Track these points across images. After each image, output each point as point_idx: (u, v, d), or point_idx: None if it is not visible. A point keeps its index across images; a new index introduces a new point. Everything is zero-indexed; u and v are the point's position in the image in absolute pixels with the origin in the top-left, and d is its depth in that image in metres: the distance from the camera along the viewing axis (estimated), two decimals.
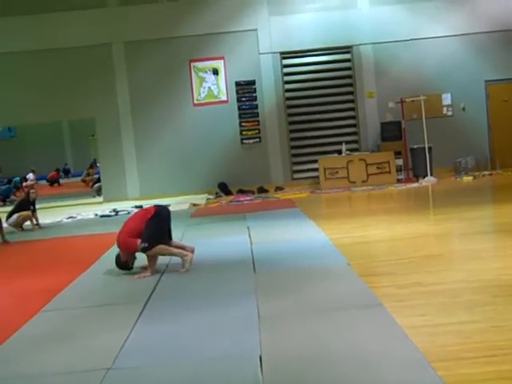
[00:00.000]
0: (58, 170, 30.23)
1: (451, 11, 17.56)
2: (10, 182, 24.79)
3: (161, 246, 7.58)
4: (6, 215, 13.12)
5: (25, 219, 13.16)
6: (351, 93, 18.05)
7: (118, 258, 7.74)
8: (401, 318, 5.00)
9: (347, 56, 17.97)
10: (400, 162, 16.58)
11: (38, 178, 26.32)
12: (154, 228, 7.65)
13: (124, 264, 7.70)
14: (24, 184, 24.41)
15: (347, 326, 4.99)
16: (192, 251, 7.88)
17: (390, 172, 16.22)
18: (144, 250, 7.52)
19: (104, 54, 17.60)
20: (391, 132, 17.15)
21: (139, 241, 7.48)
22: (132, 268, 7.72)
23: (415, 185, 15.45)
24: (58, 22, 17.37)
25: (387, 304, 5.40)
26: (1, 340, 5.36)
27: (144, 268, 7.72)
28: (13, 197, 20.49)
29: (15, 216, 13.11)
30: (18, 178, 24.89)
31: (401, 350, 4.41)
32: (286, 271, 7.09)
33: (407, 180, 16.25)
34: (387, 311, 5.21)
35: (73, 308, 6.40)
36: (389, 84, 17.50)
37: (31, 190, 13.69)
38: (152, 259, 7.63)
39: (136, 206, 15.26)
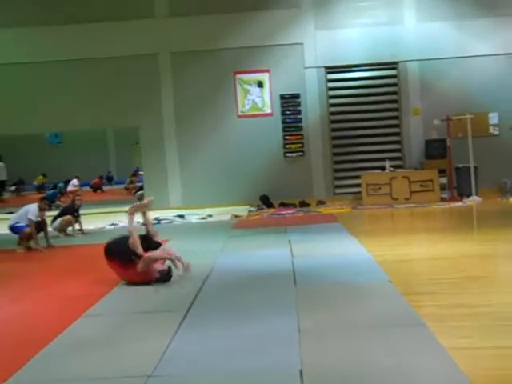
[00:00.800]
0: (101, 177, 30.60)
1: (499, 30, 17.36)
2: (55, 187, 25.19)
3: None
4: (51, 219, 13.31)
5: (67, 224, 13.34)
6: (396, 109, 17.94)
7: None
8: (444, 338, 4.92)
9: (393, 72, 17.87)
10: (444, 180, 16.38)
11: (81, 184, 26.66)
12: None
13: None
14: (68, 189, 24.76)
15: (389, 344, 4.94)
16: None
17: (433, 190, 16.04)
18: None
19: (151, 64, 17.80)
20: (436, 150, 16.97)
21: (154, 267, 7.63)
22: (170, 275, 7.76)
23: (459, 204, 15.24)
24: (106, 31, 17.63)
25: (430, 324, 5.32)
26: (44, 343, 5.42)
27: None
28: (58, 202, 20.81)
29: (58, 220, 13.32)
30: (62, 184, 25.27)
31: (443, 371, 4.34)
32: (328, 286, 7.05)
33: (451, 199, 16.04)
34: (430, 331, 5.13)
35: (114, 314, 6.46)
36: (434, 101, 17.33)
37: (77, 197, 13.88)
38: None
39: (178, 215, 15.36)
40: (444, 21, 17.43)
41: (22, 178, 30.29)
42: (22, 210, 11.98)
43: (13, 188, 29.71)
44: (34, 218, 11.49)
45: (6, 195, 28.71)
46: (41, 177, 29.55)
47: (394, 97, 17.93)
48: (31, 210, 11.67)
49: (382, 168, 16.80)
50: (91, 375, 4.65)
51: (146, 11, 17.76)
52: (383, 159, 17.09)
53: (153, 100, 17.82)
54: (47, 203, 12.20)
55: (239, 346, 5.14)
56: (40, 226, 11.80)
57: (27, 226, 11.55)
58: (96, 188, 29.35)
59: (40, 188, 28.39)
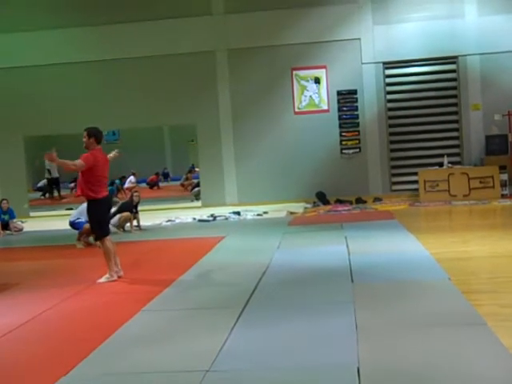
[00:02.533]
0: (157, 174, 30.88)
1: None
2: (112, 183, 25.55)
3: (107, 247, 8.35)
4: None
5: (126, 220, 13.51)
6: (455, 104, 17.63)
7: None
8: (505, 338, 4.81)
9: (452, 67, 17.57)
10: (505, 176, 16.00)
11: (138, 181, 27.00)
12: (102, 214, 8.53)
13: None
14: (125, 186, 25.09)
15: (449, 343, 4.85)
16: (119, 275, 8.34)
17: (493, 187, 15.71)
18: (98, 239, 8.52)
19: (208, 61, 17.91)
20: (496, 145, 16.63)
21: None
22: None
23: None
24: (163, 29, 17.82)
25: (491, 323, 5.21)
26: (104, 337, 5.52)
27: None
28: (115, 198, 21.11)
29: (117, 217, 13.48)
30: (118, 180, 25.62)
31: (505, 371, 4.25)
32: (385, 283, 6.98)
33: None
34: (491, 330, 5.03)
35: (172, 309, 6.52)
36: (495, 96, 16.96)
37: (135, 193, 14.03)
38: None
39: (234, 212, 15.42)
40: (506, 14, 17.03)
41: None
42: (82, 206, 12.18)
43: (72, 185, 30.26)
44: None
45: (65, 192, 29.28)
46: None
47: (453, 92, 17.62)
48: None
49: (440, 164, 16.53)
50: (150, 369, 4.70)
51: (202, 9, 17.87)
52: (441, 155, 16.83)
53: (210, 97, 17.93)
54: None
55: (296, 342, 5.12)
56: None
57: (87, 221, 11.74)
58: (153, 185, 29.65)
59: None
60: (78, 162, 8.08)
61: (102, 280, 8.14)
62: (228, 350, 4.98)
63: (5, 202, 14.57)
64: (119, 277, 8.28)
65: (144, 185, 29.37)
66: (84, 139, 8.28)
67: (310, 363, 4.61)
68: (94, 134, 8.29)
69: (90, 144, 8.24)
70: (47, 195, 27.28)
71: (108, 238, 8.37)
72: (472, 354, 4.58)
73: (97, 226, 8.34)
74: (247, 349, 5.02)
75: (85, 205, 12.16)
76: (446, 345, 4.81)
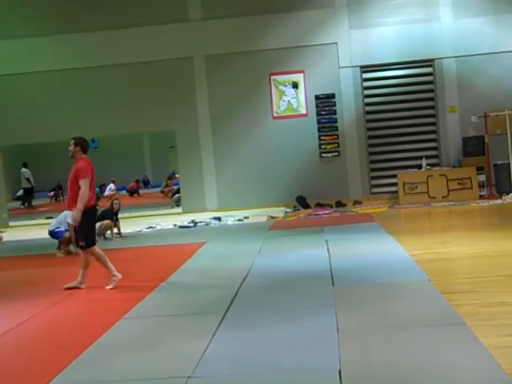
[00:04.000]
0: (137, 181, 30.81)
1: None
2: None
3: (98, 252, 8.30)
4: None
5: (106, 228, 13.46)
6: (432, 107, 17.77)
7: None
8: (485, 337, 4.86)
9: (429, 70, 17.71)
10: (482, 177, 16.17)
11: (118, 189, 26.91)
12: (92, 224, 8.50)
13: None
14: (105, 194, 24.99)
15: (429, 343, 4.89)
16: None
17: (471, 188, 15.85)
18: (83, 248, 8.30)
19: (185, 68, 17.90)
20: (474, 147, 16.77)
21: None
22: None
23: (498, 201, 15.04)
24: (140, 36, 17.79)
25: (470, 323, 5.26)
26: (85, 346, 5.49)
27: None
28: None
29: (97, 225, 13.40)
30: (97, 188, 25.50)
31: (486, 370, 4.29)
32: (366, 286, 7.02)
33: (490, 196, 15.83)
34: (470, 330, 5.07)
35: (153, 316, 6.52)
36: (472, 98, 17.12)
37: (115, 201, 13.98)
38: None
39: (215, 218, 15.43)
40: (481, 16, 17.21)
41: (59, 184, 30.65)
42: (62, 215, 12.14)
43: (51, 193, 30.09)
44: (73, 223, 11.61)
45: (45, 201, 29.13)
46: None
47: (430, 95, 17.77)
48: (70, 214, 11.79)
49: (419, 166, 16.66)
50: (132, 377, 4.69)
51: (180, 15, 17.87)
52: (420, 158, 16.95)
53: (188, 103, 17.93)
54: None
55: (278, 346, 5.14)
56: None
57: (66, 230, 11.70)
58: (133, 192, 29.58)
59: None
60: (82, 184, 8.03)
61: (110, 286, 8.08)
62: (210, 356, 4.98)
63: None
64: (80, 288, 8.29)
65: (124, 192, 29.30)
66: (70, 148, 8.25)
67: (292, 366, 4.63)
68: (81, 144, 8.26)
69: (76, 152, 8.22)
70: (23, 206, 27.12)
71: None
72: (452, 355, 4.61)
73: (87, 235, 8.25)
74: (229, 354, 5.03)
75: (63, 213, 12.15)
76: (426, 345, 4.85)
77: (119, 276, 8.17)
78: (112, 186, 25.83)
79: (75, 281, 8.31)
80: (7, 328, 6.39)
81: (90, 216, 8.23)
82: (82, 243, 8.24)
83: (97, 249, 8.27)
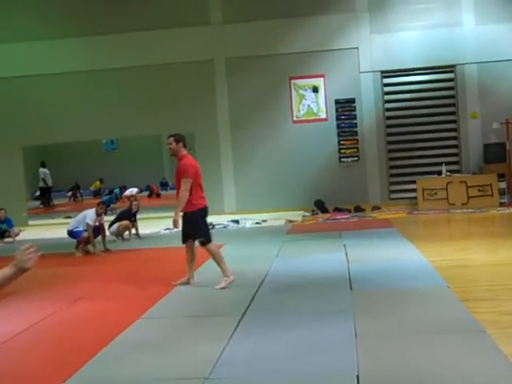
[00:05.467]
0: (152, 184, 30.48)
1: None
2: (111, 192, 25.55)
3: (215, 250, 8.02)
4: (108, 224, 13.50)
5: (124, 229, 13.51)
6: (453, 113, 17.65)
7: None
8: (505, 345, 4.81)
9: (450, 75, 17.60)
10: (503, 185, 16.00)
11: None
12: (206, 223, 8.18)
13: None
14: (124, 194, 25.07)
15: (449, 350, 4.85)
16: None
17: (492, 195, 15.71)
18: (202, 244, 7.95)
19: (206, 71, 17.93)
20: (495, 154, 16.63)
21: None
22: None
23: None
24: (162, 38, 17.84)
25: (490, 331, 5.21)
26: (103, 345, 5.51)
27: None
28: (112, 205, 21.09)
29: (116, 225, 13.49)
30: (118, 189, 25.63)
31: (506, 379, 4.24)
32: (384, 291, 6.98)
33: (511, 204, 15.67)
34: (490, 338, 5.02)
35: (170, 317, 6.52)
36: (493, 104, 16.98)
37: (134, 202, 14.02)
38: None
39: (232, 221, 15.41)
40: (503, 22, 17.06)
41: (77, 184, 30.82)
42: (80, 215, 12.20)
43: (69, 193, 30.27)
44: (91, 223, 11.69)
45: (64, 200, 29.31)
46: (98, 182, 30.01)
47: (451, 100, 17.65)
48: (89, 214, 11.87)
49: (439, 173, 16.55)
50: (149, 376, 4.70)
51: (201, 18, 17.89)
52: (440, 164, 16.83)
53: (208, 106, 17.94)
54: (104, 208, 12.37)
55: (295, 350, 5.12)
56: (98, 230, 12.01)
57: (85, 230, 11.76)
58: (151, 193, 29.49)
59: (96, 193, 28.84)
60: (183, 185, 7.79)
61: (222, 285, 7.71)
62: (227, 358, 4.97)
63: (2, 211, 14.55)
64: (187, 284, 8.05)
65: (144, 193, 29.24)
66: (170, 146, 7.93)
67: (310, 371, 4.60)
68: (182, 140, 7.98)
69: (179, 149, 7.93)
70: (42, 205, 27.34)
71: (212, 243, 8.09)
72: (472, 362, 4.57)
73: (206, 231, 8.01)
74: (246, 356, 5.01)
75: (82, 213, 12.21)
76: (445, 352, 4.81)
77: (232, 278, 7.81)
78: (134, 189, 25.92)
79: (185, 277, 8.07)
80: (24, 326, 6.42)
81: (202, 216, 8.00)
82: (201, 239, 7.88)
83: (212, 246, 8.01)
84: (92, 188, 30.16)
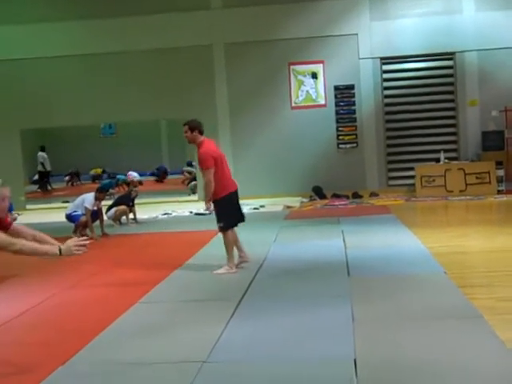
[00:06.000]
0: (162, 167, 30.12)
1: None
2: (111, 177, 25.45)
3: (229, 239, 7.84)
4: (106, 208, 13.49)
5: (122, 214, 13.51)
6: (452, 100, 17.63)
7: None
8: (502, 331, 4.84)
9: (449, 63, 17.55)
10: (501, 172, 16.00)
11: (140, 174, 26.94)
12: (230, 209, 7.92)
13: None
14: (129, 179, 25.03)
15: (445, 336, 4.88)
16: (244, 259, 8.01)
17: (490, 182, 15.72)
18: (220, 230, 7.83)
19: (205, 56, 17.86)
20: (493, 141, 16.63)
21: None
22: None
23: None
24: (161, 23, 17.74)
25: (487, 316, 5.24)
26: (100, 329, 5.53)
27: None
28: (111, 190, 21.06)
29: (113, 210, 13.48)
30: (121, 176, 25.46)
31: (501, 363, 4.27)
32: (382, 277, 7.00)
33: (508, 191, 15.68)
34: (487, 324, 5.05)
35: (168, 301, 6.54)
36: (493, 92, 16.95)
37: (134, 188, 14.03)
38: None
39: None
40: (504, 10, 16.96)
41: (77, 169, 30.76)
42: (79, 199, 12.20)
43: (67, 178, 30.25)
44: (90, 207, 11.70)
45: (61, 185, 29.28)
46: (98, 169, 29.88)
47: (450, 88, 17.62)
48: (88, 199, 11.87)
49: (437, 160, 16.56)
50: (147, 360, 4.72)
51: (200, 3, 17.81)
52: (438, 151, 16.82)
53: (207, 91, 17.89)
54: (103, 193, 12.35)
55: (293, 334, 5.15)
56: (96, 215, 12.01)
57: (83, 214, 11.77)
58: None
59: (95, 178, 28.80)
60: (205, 175, 7.62)
61: (220, 271, 7.68)
62: (225, 342, 5.00)
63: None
64: (245, 262, 7.95)
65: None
66: (186, 134, 7.76)
67: (307, 355, 4.63)
68: (197, 127, 7.77)
69: (195, 137, 7.74)
70: (39, 189, 27.30)
71: (231, 230, 7.94)
72: (469, 348, 4.60)
73: (228, 217, 7.82)
74: (244, 340, 5.04)
75: (81, 198, 12.21)
76: (442, 338, 4.83)
77: (234, 270, 7.72)
78: (135, 174, 25.90)
79: (230, 264, 7.82)
80: (23, 309, 6.44)
81: (230, 201, 7.86)
82: (220, 224, 7.77)
83: (229, 234, 7.87)
84: (92, 172, 30.11)
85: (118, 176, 24.84)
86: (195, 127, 7.77)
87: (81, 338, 5.29)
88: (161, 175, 29.35)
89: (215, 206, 7.84)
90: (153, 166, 31.09)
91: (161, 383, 4.30)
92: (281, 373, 4.33)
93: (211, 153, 7.71)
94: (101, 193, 12.07)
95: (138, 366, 4.61)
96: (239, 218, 8.11)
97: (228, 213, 7.82)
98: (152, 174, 29.01)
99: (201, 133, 7.79)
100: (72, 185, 29.66)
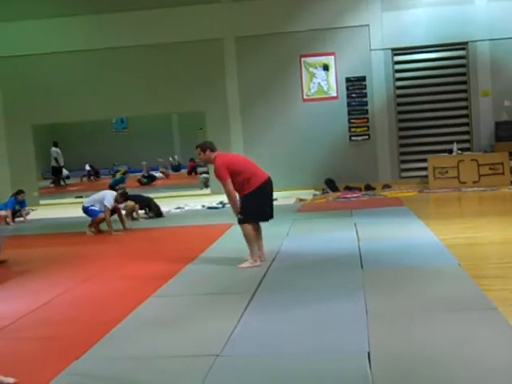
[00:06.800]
0: (192, 160, 29.79)
1: None
2: (123, 172, 25.47)
3: (248, 231, 7.73)
4: None
5: (129, 209, 13.48)
6: (465, 91, 17.53)
7: None
8: None
9: (462, 53, 17.45)
10: None
11: (152, 169, 27.06)
12: (254, 205, 7.76)
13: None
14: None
15: (460, 328, 4.85)
16: (261, 259, 7.86)
17: (503, 173, 15.63)
18: (238, 222, 7.73)
19: (215, 49, 17.86)
20: (507, 132, 16.53)
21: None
22: None
23: None
24: (172, 16, 17.77)
25: (502, 308, 5.20)
26: (115, 323, 5.55)
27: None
28: (121, 185, 21.12)
29: (122, 206, 13.46)
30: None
31: None
32: (395, 269, 6.98)
33: None
34: (502, 315, 5.02)
35: (182, 295, 6.55)
36: (506, 82, 16.85)
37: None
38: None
39: None
40: None
41: (95, 168, 30.75)
42: (99, 195, 12.12)
43: (87, 169, 30.25)
44: (109, 206, 11.69)
45: (74, 180, 29.40)
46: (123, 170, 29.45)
47: (462, 78, 17.52)
48: (108, 197, 11.82)
49: (450, 151, 16.48)
50: (160, 354, 4.73)
51: None
52: (451, 142, 16.75)
53: (218, 85, 17.90)
54: (124, 198, 12.32)
55: (306, 327, 5.14)
56: (113, 211, 11.99)
57: (101, 211, 11.74)
58: (191, 171, 28.97)
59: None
60: (224, 186, 7.67)
61: (245, 265, 7.66)
62: (238, 335, 5.00)
63: (23, 194, 14.60)
64: (261, 261, 7.84)
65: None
66: (200, 156, 7.93)
67: (321, 348, 4.62)
68: (207, 147, 7.85)
69: (208, 157, 7.85)
70: (52, 184, 27.43)
71: (252, 225, 7.83)
72: (483, 339, 4.57)
73: (247, 212, 7.71)
74: (257, 334, 5.04)
75: (101, 193, 12.21)
76: (456, 330, 4.81)
77: (258, 262, 7.68)
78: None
79: (254, 257, 7.77)
80: (38, 304, 6.48)
81: (256, 195, 7.74)
82: (239, 216, 7.71)
83: (248, 228, 7.77)
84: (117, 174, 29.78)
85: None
86: (206, 147, 7.89)
87: (95, 332, 5.31)
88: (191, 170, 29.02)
89: (240, 200, 7.82)
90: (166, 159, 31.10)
91: (174, 377, 4.30)
92: (294, 366, 4.33)
93: (225, 164, 7.71)
94: (121, 197, 12.07)
95: (152, 359, 4.62)
96: (263, 216, 7.97)
97: (251, 207, 7.75)
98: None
99: (212, 150, 7.88)
100: (89, 180, 29.68)
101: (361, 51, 17.45)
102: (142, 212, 13.78)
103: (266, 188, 7.91)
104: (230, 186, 7.64)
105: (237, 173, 7.70)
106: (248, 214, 7.73)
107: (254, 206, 7.77)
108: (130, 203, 13.38)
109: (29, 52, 18.12)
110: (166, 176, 27.99)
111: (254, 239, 7.80)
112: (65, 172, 28.61)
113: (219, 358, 4.49)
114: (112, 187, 18.53)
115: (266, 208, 7.98)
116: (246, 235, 7.79)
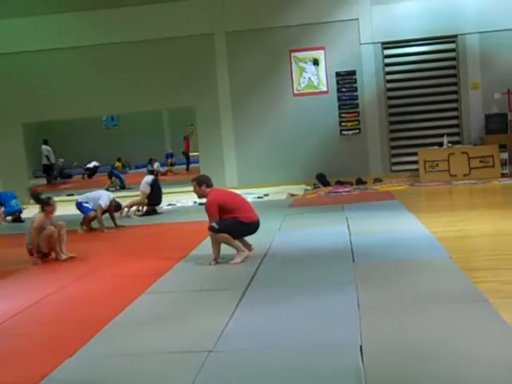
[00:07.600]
0: (186, 138, 29.69)
1: None
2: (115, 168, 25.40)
3: (224, 235, 7.68)
4: None
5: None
6: (454, 84, 17.57)
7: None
8: (507, 314, 4.83)
9: (451, 46, 17.49)
10: (505, 155, 15.98)
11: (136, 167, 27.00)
12: (234, 226, 7.75)
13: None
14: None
15: (451, 320, 4.88)
16: (249, 250, 7.93)
17: (493, 166, 15.69)
18: (211, 229, 7.71)
19: (206, 44, 17.84)
20: (496, 124, 16.59)
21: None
22: None
23: None
24: (162, 12, 17.75)
25: (492, 300, 5.23)
26: (107, 320, 5.55)
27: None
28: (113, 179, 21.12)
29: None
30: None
31: (508, 347, 4.27)
32: (386, 262, 7.01)
33: None
34: (493, 307, 5.05)
35: (174, 291, 6.56)
36: (495, 75, 16.90)
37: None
38: (215, 244, 7.75)
39: None
40: None
41: (95, 165, 30.61)
42: (95, 193, 12.10)
43: (89, 165, 30.18)
44: (103, 206, 11.68)
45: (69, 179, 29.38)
46: (118, 163, 29.49)
47: (452, 71, 17.57)
48: (103, 197, 11.81)
49: (440, 144, 16.53)
50: (154, 350, 4.74)
51: None
52: (441, 135, 16.81)
53: (208, 80, 17.89)
54: (117, 206, 12.36)
55: (298, 322, 5.16)
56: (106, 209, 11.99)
57: (94, 209, 11.72)
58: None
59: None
60: (210, 221, 7.74)
61: (237, 260, 7.64)
62: (231, 331, 5.01)
63: None
64: (250, 250, 7.91)
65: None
66: (195, 190, 8.02)
67: (313, 342, 4.64)
68: (203, 181, 7.96)
69: (203, 192, 7.95)
70: (45, 182, 27.37)
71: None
72: (474, 331, 4.60)
73: (225, 225, 7.71)
74: (250, 329, 5.05)
75: (97, 193, 12.20)
76: (448, 322, 4.84)
77: (247, 252, 7.79)
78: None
79: (239, 252, 7.79)
80: (31, 302, 6.47)
81: (235, 222, 7.78)
82: (215, 225, 7.67)
83: (221, 235, 7.71)
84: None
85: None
86: (202, 182, 7.98)
87: (88, 329, 5.30)
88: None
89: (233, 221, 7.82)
90: (158, 156, 31.05)
91: (167, 373, 4.31)
92: (287, 361, 4.34)
93: (217, 201, 7.79)
94: (115, 202, 12.11)
95: (145, 356, 4.63)
96: (236, 234, 7.89)
97: (231, 224, 7.75)
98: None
99: (208, 186, 7.97)
100: (89, 177, 29.52)
101: (351, 45, 17.47)
102: (133, 209, 13.76)
103: (253, 226, 7.98)
104: (213, 224, 7.69)
105: (228, 210, 7.78)
106: (224, 228, 7.70)
107: (234, 226, 7.77)
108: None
109: (18, 50, 18.06)
110: (165, 173, 27.74)
111: (229, 238, 7.78)
112: (94, 164, 28.59)
113: (212, 354, 4.51)
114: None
115: (242, 234, 8.00)
116: (221, 240, 7.78)
